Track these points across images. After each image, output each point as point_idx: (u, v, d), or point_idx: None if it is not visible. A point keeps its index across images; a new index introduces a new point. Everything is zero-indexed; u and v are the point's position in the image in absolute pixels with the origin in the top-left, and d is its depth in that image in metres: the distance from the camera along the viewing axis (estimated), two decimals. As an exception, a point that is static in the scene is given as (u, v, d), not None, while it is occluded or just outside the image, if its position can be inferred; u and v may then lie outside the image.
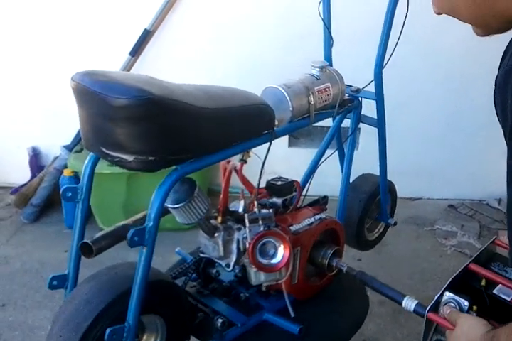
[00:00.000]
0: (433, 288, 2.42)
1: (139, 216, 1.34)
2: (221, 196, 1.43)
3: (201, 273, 1.58)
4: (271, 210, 1.32)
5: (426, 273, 2.55)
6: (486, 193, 3.21)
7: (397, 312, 2.28)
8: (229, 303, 1.53)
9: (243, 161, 1.42)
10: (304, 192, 1.66)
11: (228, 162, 1.43)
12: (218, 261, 1.46)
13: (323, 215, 1.55)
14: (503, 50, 0.81)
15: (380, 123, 1.87)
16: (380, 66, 1.72)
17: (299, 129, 1.49)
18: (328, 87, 1.50)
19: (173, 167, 1.16)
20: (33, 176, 2.98)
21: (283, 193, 1.51)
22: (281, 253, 1.30)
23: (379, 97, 1.79)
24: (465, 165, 3.17)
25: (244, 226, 1.35)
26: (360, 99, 1.70)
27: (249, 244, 1.29)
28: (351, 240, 2.07)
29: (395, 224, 2.21)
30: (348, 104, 1.62)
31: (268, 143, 1.36)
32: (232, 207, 1.49)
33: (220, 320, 1.40)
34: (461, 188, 3.22)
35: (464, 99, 3.02)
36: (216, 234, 1.40)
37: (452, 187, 3.24)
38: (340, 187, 1.75)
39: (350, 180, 1.86)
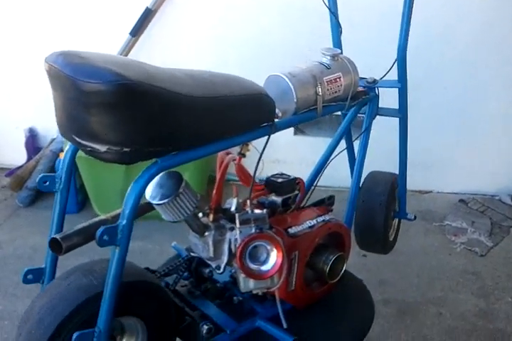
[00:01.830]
0: (441, 288, 2.32)
1: (119, 211, 1.21)
2: (214, 191, 1.29)
3: (193, 273, 1.46)
4: (265, 211, 1.18)
5: (434, 272, 2.43)
6: (499, 188, 3.05)
7: (402, 313, 2.16)
8: (220, 306, 1.40)
9: (241, 155, 1.29)
10: (310, 191, 1.52)
11: (228, 154, 1.30)
12: (208, 262, 1.33)
13: (327, 217, 1.39)
14: None
15: (402, 111, 1.72)
16: (403, 49, 1.59)
17: (305, 122, 1.35)
18: (339, 77, 1.34)
19: (153, 160, 1.03)
20: (29, 158, 2.86)
21: (283, 191, 1.36)
22: (274, 259, 1.16)
23: (402, 83, 1.64)
24: (478, 158, 2.99)
25: None
26: (377, 90, 1.54)
27: (238, 247, 1.15)
28: (378, 247, 1.91)
29: (415, 218, 2.07)
30: (362, 96, 1.46)
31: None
32: (227, 203, 1.36)
33: (205, 327, 1.27)
34: (473, 182, 3.06)
35: (481, 87, 2.82)
36: (206, 233, 1.26)
37: (464, 180, 3.07)
38: (350, 189, 1.58)
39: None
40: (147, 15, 2.62)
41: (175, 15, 2.71)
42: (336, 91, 1.34)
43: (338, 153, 1.59)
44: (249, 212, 1.18)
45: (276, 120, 1.25)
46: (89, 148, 0.98)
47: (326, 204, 1.48)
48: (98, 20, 2.71)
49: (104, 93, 0.90)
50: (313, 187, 1.54)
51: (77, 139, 0.99)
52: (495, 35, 2.68)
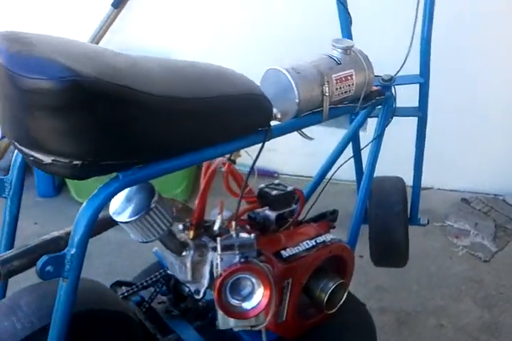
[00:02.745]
0: (441, 297, 2.09)
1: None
2: (196, 202, 1.06)
3: (172, 290, 1.24)
4: (253, 235, 0.95)
5: (434, 278, 2.19)
6: (503, 188, 2.77)
7: (399, 323, 1.94)
8: (200, 330, 1.19)
9: (230, 161, 1.06)
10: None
11: None
12: (187, 284, 1.11)
13: (328, 237, 1.16)
14: None
15: (422, 110, 1.50)
16: (427, 40, 1.38)
17: (307, 127, 1.11)
18: (351, 75, 1.09)
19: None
20: (3, 136, 2.58)
21: (278, 206, 1.13)
22: (259, 297, 0.93)
23: (426, 78, 1.43)
24: (482, 155, 2.70)
25: None
26: (393, 89, 1.29)
27: (216, 279, 0.92)
28: (398, 261, 1.68)
29: (428, 222, 1.82)
30: (376, 96, 1.21)
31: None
32: (212, 215, 1.14)
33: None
34: (476, 180, 2.77)
35: (484, 83, 2.52)
36: (184, 253, 1.04)
37: (466, 177, 2.78)
38: (357, 203, 1.34)
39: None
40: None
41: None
42: (346, 91, 1.10)
43: (343, 163, 1.34)
44: (234, 235, 0.95)
45: (274, 123, 1.02)
46: (31, 157, 0.75)
47: (328, 219, 1.24)
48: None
49: (47, 92, 0.67)
50: (313, 203, 1.30)
51: (18, 145, 0.76)
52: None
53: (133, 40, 2.33)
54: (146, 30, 2.40)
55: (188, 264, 1.03)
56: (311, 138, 1.13)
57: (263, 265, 0.95)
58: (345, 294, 1.16)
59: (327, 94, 1.04)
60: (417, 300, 2.06)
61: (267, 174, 2.69)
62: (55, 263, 0.78)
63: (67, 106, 0.69)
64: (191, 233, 1.05)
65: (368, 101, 1.19)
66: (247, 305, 0.93)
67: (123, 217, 0.91)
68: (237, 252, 0.94)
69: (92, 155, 0.73)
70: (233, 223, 0.95)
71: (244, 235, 0.95)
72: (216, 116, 0.86)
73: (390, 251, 1.61)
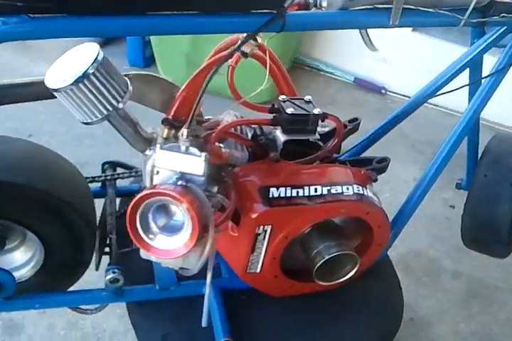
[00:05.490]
0: None
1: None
2: (178, 92, 0.86)
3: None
4: (204, 154, 0.72)
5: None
6: None
7: (471, 295, 1.70)
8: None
9: (242, 54, 0.82)
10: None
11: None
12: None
13: (355, 189, 0.89)
14: None
15: None
16: None
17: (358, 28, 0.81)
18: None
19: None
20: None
21: (291, 129, 0.88)
22: (180, 240, 0.74)
23: None
24: None
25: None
26: None
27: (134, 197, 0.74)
28: (496, 248, 1.33)
29: None
30: (502, 12, 0.84)
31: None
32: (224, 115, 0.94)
33: (110, 275, 0.93)
34: None
35: None
36: (148, 152, 0.86)
37: None
38: (438, 153, 1.03)
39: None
40: None
41: None
42: (442, -11, 0.77)
43: (450, 91, 1.01)
44: (183, 148, 0.74)
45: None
46: None
47: (372, 167, 0.96)
48: None
49: None
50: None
51: None
52: None
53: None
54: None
55: (148, 166, 0.85)
56: (374, 48, 0.84)
57: (211, 200, 0.74)
58: (354, 270, 0.92)
59: (402, -18, 0.73)
60: (502, 275, 1.78)
61: (372, 88, 2.38)
62: None
63: None
64: (165, 131, 0.86)
65: (486, 16, 0.83)
66: (161, 242, 0.74)
67: (55, 84, 0.74)
68: (178, 171, 0.74)
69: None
70: (184, 131, 0.74)
71: (194, 151, 0.74)
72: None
73: (488, 232, 1.26)
